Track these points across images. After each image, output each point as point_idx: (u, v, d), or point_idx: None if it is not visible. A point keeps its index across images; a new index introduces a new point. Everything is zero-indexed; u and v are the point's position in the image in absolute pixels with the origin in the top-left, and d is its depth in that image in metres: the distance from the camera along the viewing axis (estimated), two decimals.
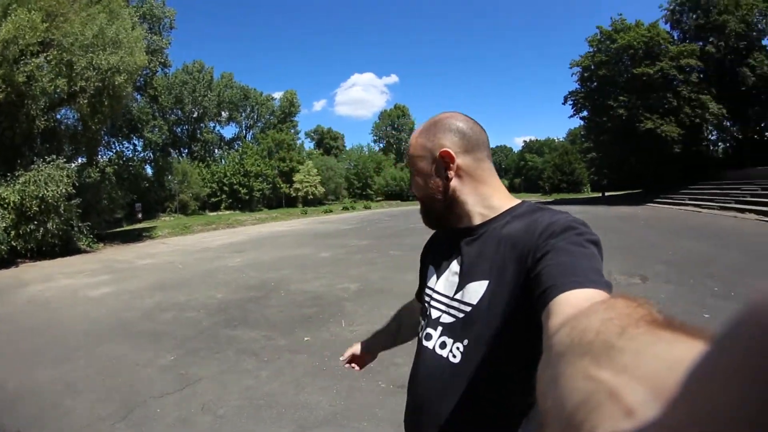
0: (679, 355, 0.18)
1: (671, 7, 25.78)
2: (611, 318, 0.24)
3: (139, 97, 21.80)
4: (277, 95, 45.06)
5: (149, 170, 26.57)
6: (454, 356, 0.70)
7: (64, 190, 11.59)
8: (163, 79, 25.37)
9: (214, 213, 29.55)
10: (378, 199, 41.30)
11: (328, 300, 4.92)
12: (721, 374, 0.11)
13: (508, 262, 0.66)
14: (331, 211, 28.33)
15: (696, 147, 24.09)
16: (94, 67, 12.23)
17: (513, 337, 0.64)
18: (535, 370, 0.55)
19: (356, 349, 1.19)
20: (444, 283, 0.77)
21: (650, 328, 0.21)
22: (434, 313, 0.77)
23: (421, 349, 0.78)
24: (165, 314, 4.71)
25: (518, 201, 0.77)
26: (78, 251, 12.79)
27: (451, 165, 0.76)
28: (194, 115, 35.55)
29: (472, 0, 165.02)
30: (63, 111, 14.93)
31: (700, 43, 23.41)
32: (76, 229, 12.80)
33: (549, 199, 36.68)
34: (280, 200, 34.73)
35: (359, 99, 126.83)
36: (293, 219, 23.34)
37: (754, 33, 23.38)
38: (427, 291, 0.82)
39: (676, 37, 24.95)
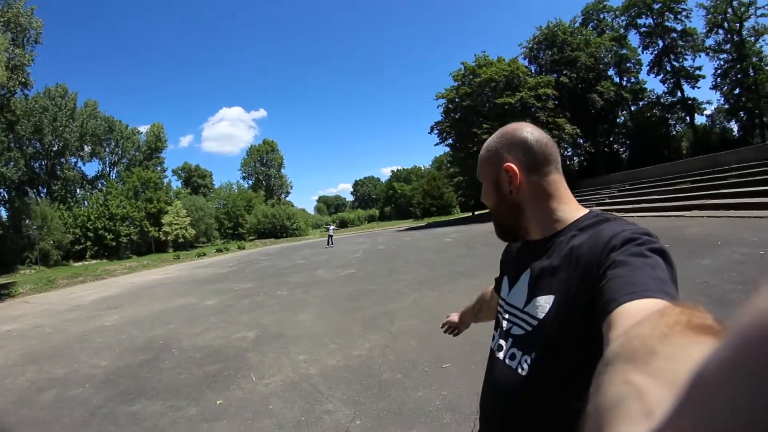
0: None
1: (530, 45, 31.02)
2: (658, 325, 0.25)
3: None
4: (144, 129, 41.87)
5: (3, 213, 21.87)
6: (522, 369, 0.71)
7: None
8: (21, 103, 21.35)
9: (80, 263, 25.68)
10: (251, 238, 40.31)
11: (227, 353, 4.58)
12: (731, 374, 0.11)
13: (572, 278, 0.67)
14: (204, 254, 26.75)
15: None
16: None
17: (577, 352, 0.63)
18: None
19: (454, 317, 1.35)
20: (515, 294, 0.80)
21: (691, 334, 0.22)
22: (505, 324, 0.80)
23: (492, 359, 0.81)
24: (45, 395, 3.89)
25: (585, 211, 0.77)
26: None
27: (515, 180, 0.77)
28: (54, 148, 30.66)
29: (341, 36, 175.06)
30: None
31: (555, 75, 28.39)
32: None
33: (422, 223, 38.82)
34: (149, 245, 31.66)
35: (227, 134, 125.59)
36: (166, 265, 21.44)
37: (601, 65, 29.48)
38: (500, 302, 0.86)
39: (533, 71, 29.84)
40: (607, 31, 30.80)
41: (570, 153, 32.21)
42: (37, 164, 30.55)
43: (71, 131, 30.85)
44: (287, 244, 15.86)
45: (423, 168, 72.00)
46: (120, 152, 38.14)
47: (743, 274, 4.49)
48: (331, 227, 22.12)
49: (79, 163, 34.73)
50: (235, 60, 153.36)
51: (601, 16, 31.83)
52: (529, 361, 0.71)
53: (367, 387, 3.20)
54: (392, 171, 74.09)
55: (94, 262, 26.15)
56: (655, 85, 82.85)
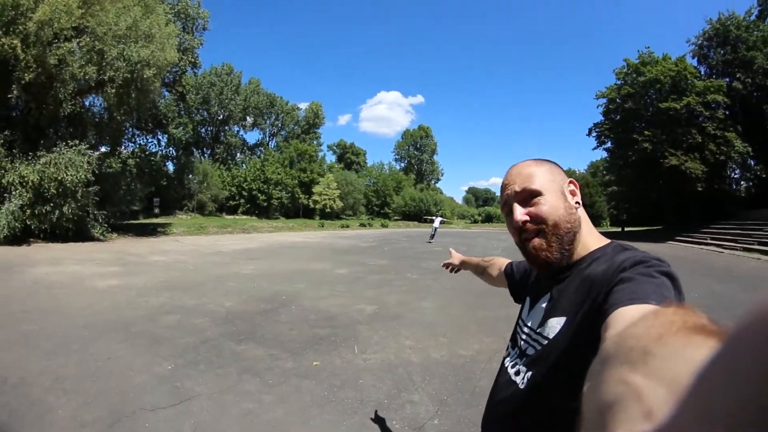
0: (703, 357, 0.18)
1: (699, 42, 25.52)
2: (654, 326, 0.25)
3: (166, 93, 22.23)
4: (303, 106, 45.92)
5: (171, 167, 26.97)
6: (522, 383, 0.74)
7: (83, 176, 11.72)
8: (191, 78, 25.92)
9: (231, 216, 29.78)
10: (395, 218, 41.24)
11: (341, 321, 4.67)
12: (728, 375, 0.11)
13: (584, 302, 0.68)
14: (348, 227, 28.32)
15: (719, 185, 23.51)
16: (125, 58, 12.45)
17: (577, 371, 0.53)
18: None
19: (456, 258, 1.46)
20: (533, 316, 0.82)
21: (687, 334, 0.22)
22: (522, 344, 0.82)
23: (502, 371, 0.85)
24: (169, 317, 4.55)
25: (607, 242, 0.77)
26: (91, 238, 12.87)
27: (578, 194, 0.79)
28: (219, 117, 36.21)
29: (504, 29, 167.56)
30: (90, 98, 15.20)
31: (727, 79, 23.07)
32: (91, 216, 12.91)
33: None
34: (297, 210, 34.90)
35: (384, 117, 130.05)
36: (309, 230, 23.20)
37: None
38: (519, 321, 0.88)
39: (702, 72, 24.64)
40: None
41: (737, 175, 25.94)
42: (203, 129, 36.67)
43: (235, 104, 36.21)
44: (430, 228, 16.23)
45: (577, 172, 68.22)
46: (279, 125, 43.14)
47: None
48: (438, 219, 19.68)
49: (241, 132, 40.39)
50: (396, 45, 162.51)
51: None
52: (529, 376, 0.73)
53: (460, 389, 2.96)
54: None
55: (244, 217, 30.05)
56: None
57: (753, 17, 24.37)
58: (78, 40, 12.27)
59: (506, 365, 0.83)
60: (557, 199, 0.76)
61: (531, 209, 0.75)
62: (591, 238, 0.77)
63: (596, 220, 46.51)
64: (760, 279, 8.55)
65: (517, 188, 0.77)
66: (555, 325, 0.72)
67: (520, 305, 0.95)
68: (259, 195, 31.81)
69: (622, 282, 0.59)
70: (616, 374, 0.22)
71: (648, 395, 0.19)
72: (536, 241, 0.75)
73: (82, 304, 4.93)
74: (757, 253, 13.54)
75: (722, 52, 24.22)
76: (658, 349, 0.21)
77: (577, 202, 0.78)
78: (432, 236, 18.09)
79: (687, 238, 19.29)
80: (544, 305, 0.79)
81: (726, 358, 0.12)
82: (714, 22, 24.50)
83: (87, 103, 15.10)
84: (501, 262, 1.21)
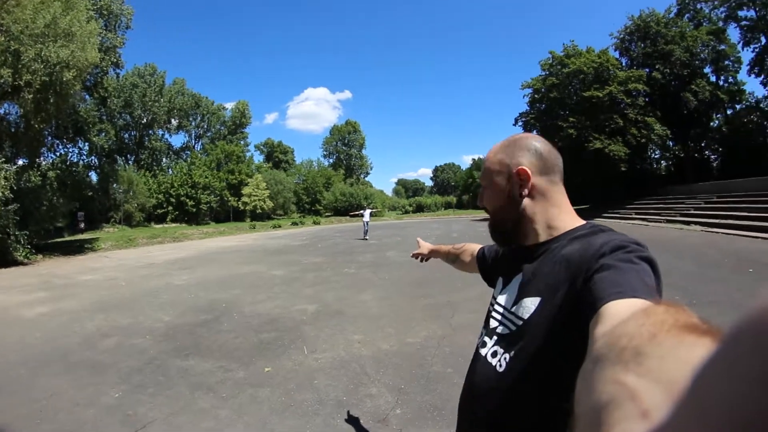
0: (698, 357, 0.18)
1: (621, 36, 27.95)
2: (645, 324, 0.25)
3: (87, 97, 20.34)
4: (229, 105, 44.24)
5: (94, 177, 24.84)
6: (501, 365, 0.73)
7: (0, 194, 10.46)
8: (113, 80, 23.94)
9: (160, 225, 28.19)
10: (327, 214, 41.11)
11: (285, 323, 4.63)
12: (726, 375, 0.11)
13: (560, 282, 0.68)
14: (280, 226, 27.82)
15: (641, 165, 25.96)
16: (43, 59, 11.23)
17: (556, 352, 0.64)
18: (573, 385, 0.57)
19: (425, 248, 1.47)
20: (506, 295, 0.81)
21: (679, 333, 0.22)
22: (492, 323, 0.82)
23: (476, 355, 0.83)
24: (107, 341, 4.25)
25: (582, 222, 0.79)
26: (14, 262, 11.54)
27: (527, 182, 0.79)
28: (143, 121, 33.87)
29: (426, 21, 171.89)
30: (5, 106, 13.58)
31: (647, 70, 25.43)
32: (12, 238, 11.56)
33: None
34: (227, 214, 33.70)
35: (311, 113, 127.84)
36: (242, 234, 22.60)
37: (697, 62, 25.82)
38: (492, 301, 0.88)
39: (624, 64, 26.94)
40: (705, 24, 26.69)
41: (657, 156, 28.87)
42: (126, 135, 34.02)
43: (159, 106, 33.95)
44: (361, 224, 16.03)
45: None
46: (205, 126, 41.12)
47: None
48: (367, 212, 16.37)
49: (166, 135, 38.06)
50: (321, 42, 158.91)
51: (698, 6, 27.52)
52: (507, 358, 0.73)
53: (415, 377, 3.06)
54: (473, 159, 72.51)
55: (173, 225, 28.58)
56: (754, 87, 70.75)
57: (672, 14, 27.17)
58: None
59: (480, 348, 0.82)
60: (495, 193, 0.83)
61: (482, 200, 0.87)
62: (566, 218, 0.79)
63: None
64: (679, 245, 9.60)
65: (479, 180, 0.89)
66: (529, 305, 0.72)
67: (494, 285, 0.95)
68: (188, 201, 30.35)
69: (603, 269, 0.59)
70: (609, 374, 0.22)
71: (643, 395, 0.19)
72: (489, 224, 0.86)
73: (11, 339, 4.45)
74: (680, 224, 15.02)
75: (643, 45, 26.68)
76: (651, 349, 0.21)
77: (521, 193, 0.79)
78: (366, 232, 15.91)
79: (613, 214, 21.13)
80: (517, 284, 0.79)
81: (725, 357, 0.12)
82: (635, 18, 26.93)
83: (2, 112, 13.48)
84: (473, 248, 1.23)
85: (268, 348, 3.83)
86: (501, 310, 0.80)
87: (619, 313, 0.46)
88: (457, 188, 71.79)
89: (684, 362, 0.18)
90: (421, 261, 1.50)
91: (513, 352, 0.71)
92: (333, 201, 41.97)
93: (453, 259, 1.32)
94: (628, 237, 0.66)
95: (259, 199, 33.22)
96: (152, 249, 15.37)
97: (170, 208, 30.36)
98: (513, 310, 0.76)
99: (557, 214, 0.79)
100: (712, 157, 29.18)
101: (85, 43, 12.13)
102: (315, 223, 31.62)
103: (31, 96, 11.57)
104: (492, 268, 1.04)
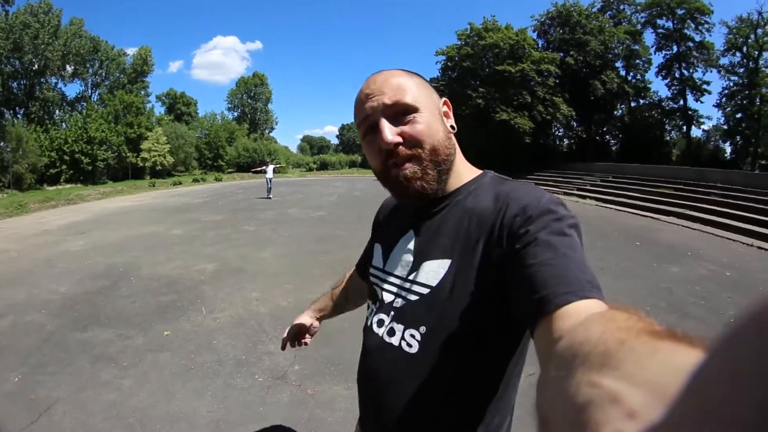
0: (680, 361, 0.18)
1: (542, 20, 29.83)
2: (610, 330, 0.25)
3: None
4: (131, 51, 39.01)
5: None
6: (410, 345, 0.63)
7: None
8: (1, 18, 19.49)
9: (53, 187, 24.86)
10: (230, 170, 39.56)
11: (184, 284, 4.65)
12: (725, 376, 0.11)
13: (475, 241, 0.60)
14: (180, 183, 26.26)
15: (544, 140, 28.79)
16: None
17: (481, 321, 0.59)
18: (505, 354, 0.61)
19: (303, 321, 1.04)
20: (395, 261, 0.70)
21: (651, 339, 0.22)
22: (387, 297, 0.69)
23: (370, 336, 0.70)
24: (1, 321, 3.96)
25: (480, 171, 0.71)
26: None
27: (452, 118, 0.70)
28: (34, 68, 28.47)
29: None
30: None
31: (562, 54, 27.59)
32: None
33: None
34: (126, 171, 30.71)
35: (219, 63, 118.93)
36: (141, 192, 20.96)
37: (610, 55, 28.88)
38: (375, 272, 0.74)
39: (540, 45, 28.88)
40: (624, 24, 29.81)
41: (561, 134, 32.16)
42: (15, 84, 28.51)
43: (53, 50, 28.65)
44: (264, 180, 15.49)
45: None
46: (104, 74, 35.82)
47: (706, 290, 4.59)
48: (270, 168, 15.63)
49: (60, 84, 32.57)
50: None
51: (621, 7, 30.55)
52: (417, 336, 0.63)
53: None
54: None
55: (68, 186, 25.22)
56: (659, 87, 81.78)
57: (595, 9, 29.54)
58: None
59: (371, 325, 0.70)
60: (435, 119, 0.65)
61: (405, 128, 0.63)
62: (464, 168, 0.70)
63: None
64: (579, 218, 11.09)
65: (387, 100, 0.62)
66: (436, 268, 0.63)
67: (370, 254, 0.81)
68: (83, 158, 26.97)
69: (537, 245, 0.52)
70: (580, 378, 0.22)
71: (626, 397, 0.18)
72: (409, 167, 0.63)
73: None
74: (575, 197, 16.50)
75: (561, 31, 28.72)
76: (624, 355, 0.21)
77: (452, 126, 0.69)
78: (269, 190, 15.07)
79: None
80: (407, 246, 0.69)
81: (727, 357, 0.12)
82: (559, 6, 28.74)
83: None
84: (352, 273, 1.02)
85: (167, 311, 3.87)
86: (394, 280, 0.69)
87: (571, 317, 0.43)
88: (360, 152, 72.76)
89: (666, 366, 0.18)
90: (298, 345, 1.08)
91: (425, 327, 0.62)
92: (236, 157, 40.10)
93: (344, 299, 1.04)
94: (546, 194, 0.60)
95: (159, 155, 30.51)
96: (45, 214, 13.66)
97: (64, 167, 26.64)
98: (411, 277, 0.66)
99: (461, 161, 0.70)
100: (612, 141, 33.20)
101: None
102: (217, 179, 30.08)
103: None
104: (369, 245, 0.88)
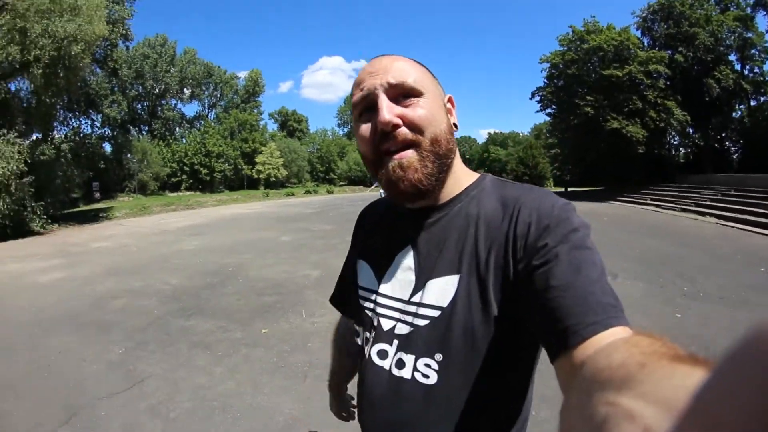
0: (696, 383, 0.17)
1: (644, 15, 26.69)
2: (632, 355, 0.25)
3: (98, 69, 20.47)
4: (242, 74, 44.04)
5: (108, 148, 25.27)
6: (426, 376, 0.55)
7: (15, 168, 10.77)
8: (123, 53, 23.97)
9: (174, 194, 28.73)
10: (341, 183, 41.41)
11: (288, 288, 4.77)
12: (728, 394, 0.12)
13: (486, 252, 0.54)
14: (293, 194, 28.10)
15: (658, 150, 25.20)
16: (50, 34, 11.31)
17: (501, 340, 0.53)
18: (526, 372, 0.57)
19: (335, 396, 0.97)
20: (393, 282, 0.61)
21: (670, 363, 0.22)
22: (385, 323, 0.60)
23: (372, 370, 0.60)
24: (116, 302, 4.45)
25: (478, 175, 0.64)
26: (30, 233, 11.97)
27: (455, 115, 0.63)
28: (155, 92, 34.01)
29: None
30: (15, 82, 13.79)
31: (669, 52, 24.36)
32: (28, 209, 11.97)
33: None
34: (241, 182, 34.14)
35: (326, 83, 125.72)
36: (255, 201, 22.86)
37: (722, 48, 24.62)
38: (366, 294, 0.65)
39: (645, 44, 25.81)
40: (732, 9, 25.25)
41: (676, 142, 27.90)
42: (139, 105, 34.39)
43: (171, 76, 34.06)
44: (376, 193, 15.80)
45: (521, 134, 69.29)
46: (218, 95, 41.17)
47: None
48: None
49: (179, 105, 38.37)
50: (337, 10, 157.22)
51: None
52: (434, 365, 0.55)
53: None
54: (489, 133, 72.27)
55: (188, 193, 29.23)
56: None
57: None
58: None
59: (371, 357, 0.61)
60: (440, 108, 0.58)
61: (406, 111, 0.55)
62: (462, 173, 0.62)
63: (540, 181, 47.41)
64: (692, 236, 9.41)
65: (391, 79, 0.55)
66: (444, 286, 0.56)
67: (355, 275, 0.69)
68: (202, 169, 30.84)
69: (558, 264, 0.47)
70: (600, 398, 0.22)
71: (641, 415, 0.18)
72: (408, 154, 0.54)
73: (25, 303, 4.68)
74: (693, 213, 14.47)
75: (666, 26, 25.46)
76: (643, 377, 0.21)
77: (454, 124, 0.62)
78: None
79: (628, 198, 20.69)
80: (408, 263, 0.60)
81: (726, 377, 0.12)
82: None
83: (12, 88, 13.68)
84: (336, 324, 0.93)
85: (269, 311, 3.96)
86: (393, 303, 0.60)
87: (595, 346, 0.40)
88: (473, 161, 71.65)
89: (682, 388, 0.18)
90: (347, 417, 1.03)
91: (442, 354, 0.55)
92: (347, 170, 42.31)
93: (345, 355, 0.91)
94: (557, 199, 0.54)
95: (272, 168, 33.59)
96: (166, 216, 15.74)
97: (184, 176, 30.91)
98: (416, 299, 0.58)
99: (460, 165, 0.62)
100: (732, 148, 28.18)
101: (92, 17, 12.13)
102: (328, 191, 31.90)
103: (41, 71, 11.72)
104: (348, 268, 0.75)
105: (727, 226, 11.69)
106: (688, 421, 0.13)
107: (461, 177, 0.61)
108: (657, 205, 18.03)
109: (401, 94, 0.55)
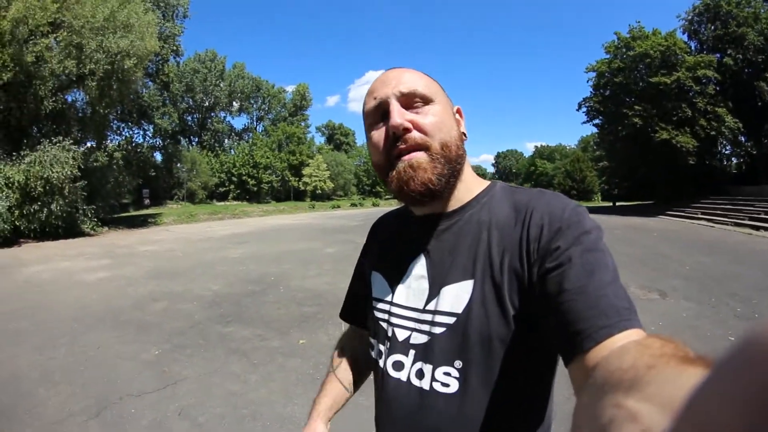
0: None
1: (689, 17, 25.30)
2: (642, 356, 0.25)
3: (150, 83, 21.85)
4: (290, 88, 45.49)
5: (158, 157, 26.74)
6: (446, 385, 0.55)
7: (69, 172, 11.57)
8: (174, 67, 25.48)
9: (222, 203, 29.76)
10: (387, 197, 41.51)
11: (328, 299, 4.71)
12: (719, 396, 0.12)
13: (499, 256, 0.54)
14: (339, 207, 28.39)
15: (710, 160, 23.59)
16: (104, 49, 12.18)
17: (519, 344, 0.53)
18: (547, 376, 0.56)
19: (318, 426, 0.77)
20: (407, 291, 0.61)
21: (678, 364, 0.22)
22: (400, 333, 0.60)
23: (389, 383, 0.59)
24: (157, 304, 4.57)
25: (488, 182, 0.64)
26: (81, 234, 12.77)
27: (464, 125, 0.64)
28: (205, 104, 35.74)
29: (488, 3, 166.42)
30: (72, 93, 14.93)
31: (718, 55, 22.94)
32: (80, 211, 12.80)
33: None
34: (288, 193, 34.94)
35: None
36: (301, 212, 23.21)
37: None
38: (380, 305, 0.64)
39: (693, 48, 24.45)
40: None
41: (728, 151, 26.00)
42: (189, 117, 36.40)
43: (221, 89, 35.88)
44: None
45: (568, 147, 68.52)
46: (266, 108, 42.80)
47: None
48: None
49: (228, 118, 40.26)
50: (383, 24, 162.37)
51: None
52: (455, 373, 0.55)
53: None
54: (536, 147, 72.00)
55: (235, 203, 30.37)
56: None
57: None
58: (55, 35, 11.96)
59: (387, 369, 0.60)
60: (449, 116, 0.60)
61: (417, 117, 0.56)
62: (473, 181, 0.63)
63: (588, 195, 46.37)
64: (746, 252, 8.67)
65: (403, 89, 0.57)
66: (459, 292, 0.56)
67: (370, 288, 0.69)
68: (249, 180, 31.81)
69: (570, 268, 0.47)
70: (608, 400, 0.22)
71: (644, 416, 0.19)
72: (419, 155, 0.55)
73: (71, 299, 4.92)
74: (748, 228, 13.56)
75: (713, 27, 24.04)
76: (650, 378, 0.22)
77: (464, 133, 0.63)
78: None
79: (678, 212, 19.46)
80: (421, 272, 0.60)
81: (718, 379, 0.12)
82: None
83: (69, 99, 14.81)
84: (346, 333, 0.86)
85: (307, 321, 3.92)
86: (407, 312, 0.60)
87: (608, 349, 0.41)
88: (519, 176, 70.30)
89: (686, 389, 0.18)
90: None
91: (461, 362, 0.54)
92: None
93: (356, 372, 0.80)
94: (568, 201, 0.54)
95: (319, 180, 34.34)
96: (212, 224, 16.33)
97: (232, 186, 32.13)
98: (431, 307, 0.57)
99: (471, 173, 0.63)
100: None
101: (143, 33, 12.97)
102: (374, 205, 32.15)
103: (95, 84, 12.62)
104: (360, 280, 0.74)
105: None
106: (685, 420, 0.13)
107: (471, 185, 0.62)
108: (709, 220, 16.83)
109: (412, 101, 0.57)
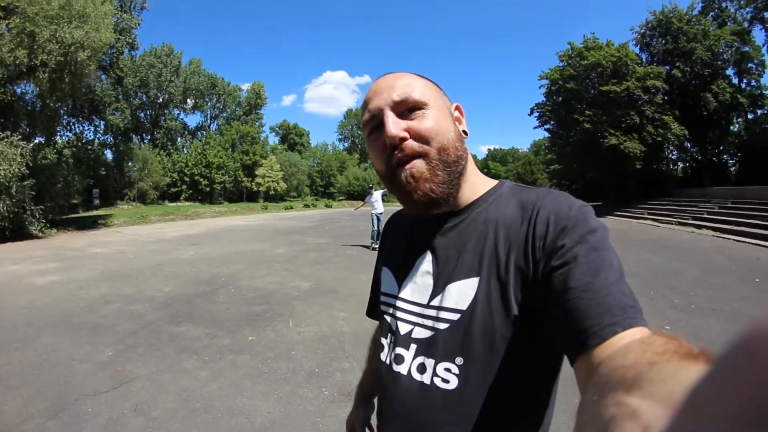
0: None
1: (642, 31, 27.10)
2: (645, 353, 0.25)
3: (103, 76, 20.81)
4: (245, 86, 44.44)
5: (109, 155, 25.53)
6: (446, 381, 0.55)
7: (17, 170, 10.92)
8: (129, 61, 24.36)
9: (174, 204, 28.78)
10: (340, 198, 41.48)
11: (277, 298, 4.83)
12: (719, 391, 0.12)
13: (505, 254, 0.54)
14: (291, 208, 28.18)
15: (656, 164, 25.38)
16: (57, 39, 11.54)
17: (523, 343, 0.53)
18: (549, 377, 0.57)
19: (355, 423, 0.88)
20: (413, 287, 0.62)
21: (680, 360, 0.22)
22: (403, 327, 0.61)
23: (391, 376, 0.60)
24: (109, 306, 4.53)
25: (496, 182, 0.65)
26: (29, 236, 12.06)
27: (464, 122, 0.64)
28: (159, 101, 34.28)
29: (448, 6, 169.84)
30: (21, 85, 14.04)
31: (667, 67, 24.64)
32: (28, 212, 12.07)
33: None
34: (241, 194, 34.21)
35: (329, 97, 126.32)
36: (253, 214, 22.91)
37: (719, 62, 24.91)
38: (387, 299, 0.66)
39: (644, 59, 26.17)
40: (729, 24, 25.63)
41: (675, 156, 28.12)
42: (142, 114, 34.59)
43: (175, 86, 34.43)
44: (368, 208, 15.83)
45: (520, 150, 70.47)
46: (221, 107, 41.35)
47: None
48: (378, 193, 9.45)
49: (182, 115, 38.68)
50: (341, 25, 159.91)
51: (723, 4, 26.38)
52: (455, 369, 0.55)
53: None
54: (489, 149, 73.78)
55: (187, 204, 29.29)
56: None
57: (696, 11, 26.21)
58: (7, 21, 11.23)
59: (390, 363, 0.61)
60: (445, 117, 0.59)
61: (412, 124, 0.57)
62: (479, 179, 0.63)
63: None
64: (688, 249, 9.46)
65: (396, 97, 0.57)
66: (464, 289, 0.56)
67: (379, 283, 0.72)
68: (201, 180, 30.89)
69: (576, 266, 0.47)
70: (611, 398, 0.23)
71: (644, 413, 0.19)
72: (418, 164, 0.56)
73: (21, 303, 4.77)
74: (691, 227, 14.55)
75: (663, 42, 25.80)
76: (652, 375, 0.22)
77: (464, 131, 0.63)
78: (375, 234, 8.95)
79: (625, 212, 20.82)
80: (426, 268, 0.61)
81: (719, 374, 0.12)
82: (657, 14, 26.00)
83: (18, 91, 13.92)
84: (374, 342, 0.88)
85: (256, 320, 4.03)
86: (411, 307, 0.61)
87: (613, 346, 0.41)
88: None
89: (686, 384, 0.19)
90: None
91: (462, 359, 0.54)
92: (346, 184, 42.38)
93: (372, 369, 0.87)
94: (574, 200, 0.55)
95: (272, 181, 33.64)
96: (164, 226, 15.83)
97: (184, 187, 30.97)
98: (436, 303, 0.58)
99: (476, 172, 0.63)
100: (730, 161, 28.38)
101: (99, 24, 12.39)
102: (327, 206, 31.91)
103: (47, 76, 11.93)
104: (375, 277, 0.78)
105: (723, 238, 11.78)
106: (685, 416, 0.13)
107: (477, 183, 0.62)
108: (655, 220, 18.11)
109: (407, 108, 0.57)
